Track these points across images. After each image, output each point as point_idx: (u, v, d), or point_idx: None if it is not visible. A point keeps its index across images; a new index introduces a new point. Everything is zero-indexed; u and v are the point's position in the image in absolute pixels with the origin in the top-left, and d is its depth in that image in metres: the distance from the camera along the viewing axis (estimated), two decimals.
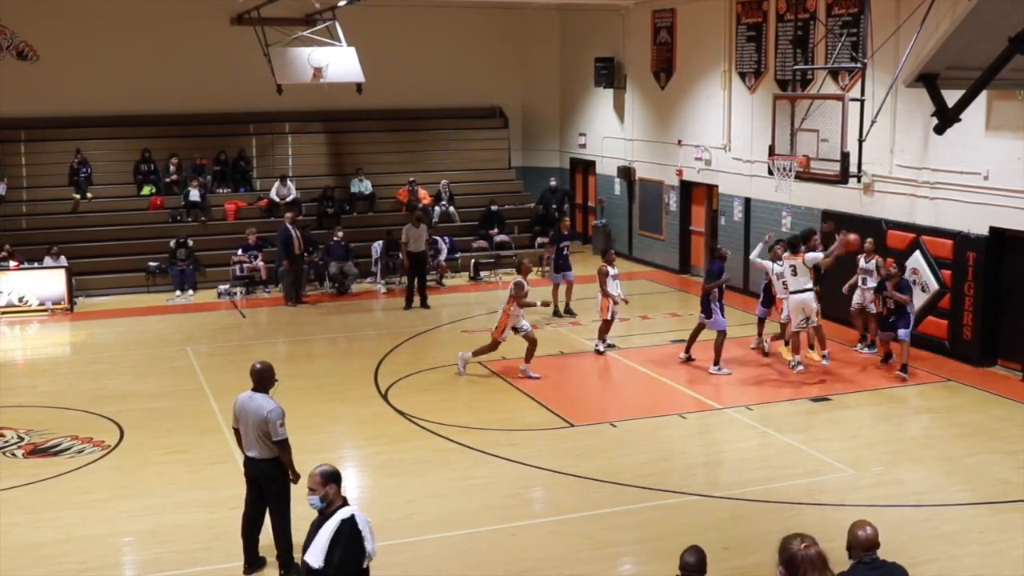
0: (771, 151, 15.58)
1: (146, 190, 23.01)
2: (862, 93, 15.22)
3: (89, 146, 23.09)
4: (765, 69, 19.36)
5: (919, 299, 15.25)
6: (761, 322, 16.05)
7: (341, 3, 20.52)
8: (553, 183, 25.09)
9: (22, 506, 10.47)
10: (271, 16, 21.21)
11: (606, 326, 16.03)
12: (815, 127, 14.58)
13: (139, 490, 10.88)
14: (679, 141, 22.11)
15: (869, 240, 15.53)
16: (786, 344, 14.95)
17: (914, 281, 15.48)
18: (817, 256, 14.47)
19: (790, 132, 15.06)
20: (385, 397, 14.05)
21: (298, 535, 8.94)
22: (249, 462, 8.81)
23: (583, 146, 26.21)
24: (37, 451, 12.11)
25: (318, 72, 20.61)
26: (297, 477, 8.84)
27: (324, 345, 17.55)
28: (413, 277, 19.81)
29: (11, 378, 15.57)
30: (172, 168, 23.22)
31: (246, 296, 20.78)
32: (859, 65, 15.77)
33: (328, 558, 6.37)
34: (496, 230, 23.64)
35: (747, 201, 20.06)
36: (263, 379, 8.78)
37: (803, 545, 5.10)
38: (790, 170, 14.98)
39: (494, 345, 14.76)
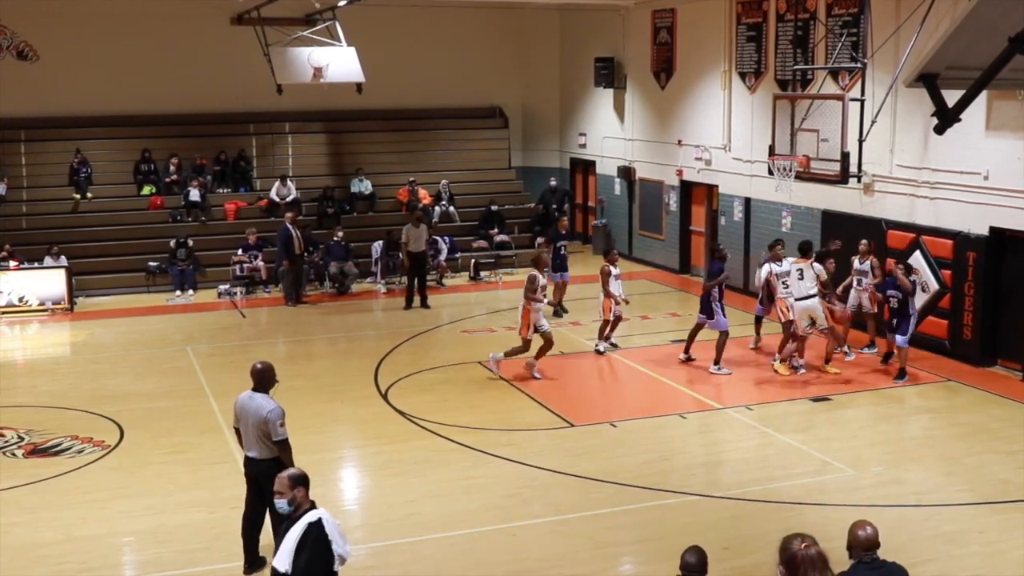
0: (771, 151, 15.58)
1: (146, 190, 23.01)
2: (862, 93, 15.22)
3: (89, 146, 23.09)
4: (765, 69, 19.36)
5: (919, 299, 15.22)
6: (759, 320, 16.06)
7: (341, 3, 20.52)
8: (553, 183, 25.10)
9: (22, 506, 10.47)
10: (271, 16, 21.21)
11: (606, 326, 16.02)
12: (815, 127, 14.58)
13: (139, 490, 10.88)
14: (679, 141, 22.11)
15: (864, 241, 15.55)
16: (780, 354, 14.89)
17: (914, 281, 15.47)
18: (822, 270, 14.45)
19: (790, 132, 15.06)
20: (385, 397, 14.05)
21: None
22: (249, 462, 8.81)
23: (583, 146, 26.21)
24: (37, 451, 12.11)
25: (318, 72, 20.61)
26: None
27: (324, 345, 17.55)
28: (413, 277, 19.80)
29: (11, 378, 15.57)
30: (172, 168, 23.22)
31: (246, 296, 20.78)
32: (859, 65, 15.77)
33: (295, 562, 6.29)
34: (496, 230, 23.64)
35: (747, 201, 20.06)
36: (263, 379, 8.78)
37: (804, 545, 5.10)
38: (790, 170, 14.98)
39: (525, 345, 14.48)
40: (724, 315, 14.79)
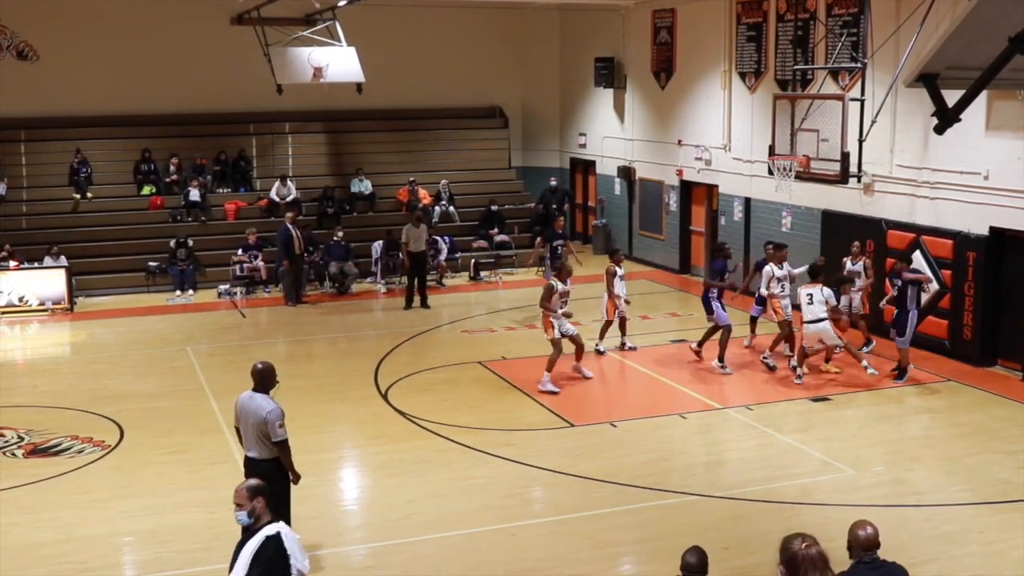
0: (771, 151, 15.58)
1: (146, 190, 23.01)
2: (862, 93, 15.22)
3: (89, 146, 23.09)
4: (765, 69, 19.36)
5: (923, 297, 15.18)
6: (754, 321, 16.05)
7: (341, 3, 20.51)
8: (553, 183, 25.10)
9: (22, 506, 10.47)
10: (271, 16, 21.21)
11: (608, 326, 16.01)
12: (815, 127, 14.58)
13: (139, 490, 10.88)
14: (679, 141, 22.11)
15: (856, 243, 15.53)
16: (771, 351, 14.92)
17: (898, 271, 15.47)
18: (831, 295, 14.28)
19: (790, 132, 15.06)
20: (385, 397, 14.05)
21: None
22: (249, 462, 8.80)
23: (583, 146, 26.20)
24: (37, 451, 12.11)
25: (318, 72, 20.61)
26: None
27: (324, 345, 17.55)
28: (413, 277, 19.80)
29: (11, 378, 15.57)
30: (172, 168, 23.22)
31: (246, 296, 20.78)
32: (859, 65, 15.77)
33: (249, 575, 6.07)
34: (496, 230, 23.64)
35: (747, 201, 20.06)
36: (264, 379, 8.77)
37: (804, 545, 5.10)
38: (790, 170, 14.98)
39: (556, 347, 14.09)
40: (724, 310, 14.78)
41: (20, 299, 19.56)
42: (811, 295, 13.97)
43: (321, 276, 21.35)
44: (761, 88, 19.38)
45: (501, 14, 26.38)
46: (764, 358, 14.93)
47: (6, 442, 12.38)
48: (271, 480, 8.73)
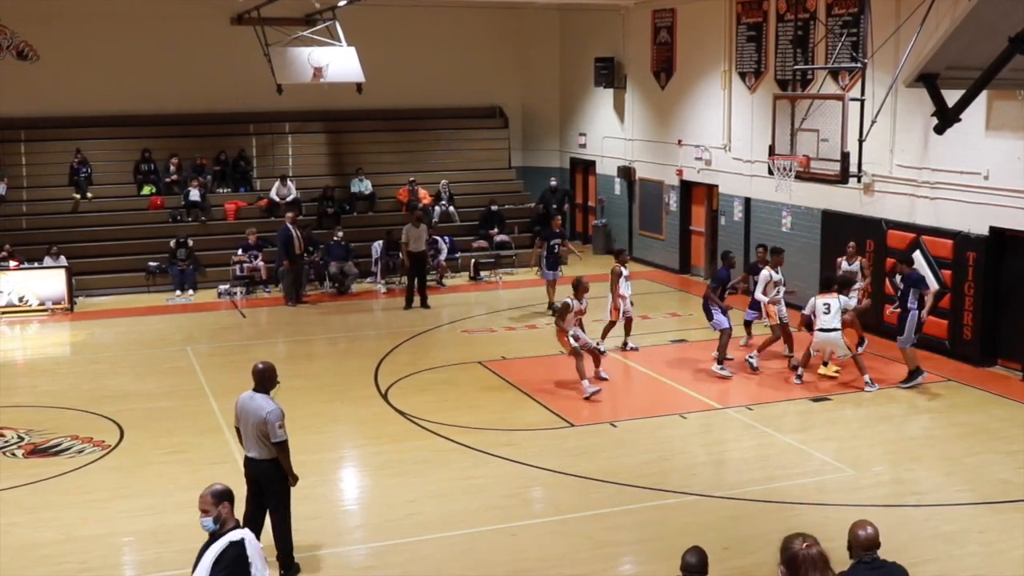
0: (771, 151, 15.58)
1: (146, 190, 23.01)
2: (862, 93, 15.22)
3: (89, 146, 23.09)
4: (765, 69, 19.36)
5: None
6: (748, 324, 16.02)
7: (341, 3, 20.51)
8: (553, 183, 25.11)
9: (22, 506, 10.47)
10: (271, 16, 21.21)
11: (611, 326, 16.00)
12: (815, 127, 14.57)
13: (139, 490, 10.88)
14: (679, 141, 22.11)
15: (852, 244, 15.48)
16: (759, 351, 14.92)
17: (899, 270, 15.46)
18: (850, 303, 14.21)
19: (790, 132, 15.05)
20: (385, 397, 14.05)
21: (298, 536, 9.00)
22: (249, 462, 8.80)
23: (583, 146, 26.20)
24: (37, 451, 12.11)
25: (318, 72, 20.60)
26: (295, 479, 8.84)
27: (324, 345, 17.55)
28: (413, 277, 19.80)
29: (11, 378, 15.57)
30: (172, 168, 23.22)
31: (246, 296, 20.78)
32: (859, 65, 15.77)
33: None
34: (496, 230, 23.64)
35: (747, 201, 20.06)
36: (264, 379, 8.77)
37: (805, 545, 5.10)
38: (790, 170, 14.97)
39: (578, 356, 13.84)
40: (724, 314, 14.77)
41: (20, 299, 19.56)
42: (828, 304, 13.75)
43: (321, 276, 21.35)
44: (761, 88, 19.38)
45: (501, 14, 26.38)
46: (748, 358, 14.90)
47: (6, 442, 12.38)
48: (271, 480, 8.76)
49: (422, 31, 25.42)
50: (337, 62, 20.69)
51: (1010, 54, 6.74)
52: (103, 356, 16.56)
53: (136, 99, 23.42)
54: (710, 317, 14.87)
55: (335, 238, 21.42)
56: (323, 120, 25.12)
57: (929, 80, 7.41)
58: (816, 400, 13.66)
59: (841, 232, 17.20)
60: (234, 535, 6.15)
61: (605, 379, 14.39)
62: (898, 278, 14.47)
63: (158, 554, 9.39)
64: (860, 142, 14.63)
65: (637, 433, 12.52)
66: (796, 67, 18.00)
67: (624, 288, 15.81)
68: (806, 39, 18.26)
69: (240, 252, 21.19)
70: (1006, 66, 6.87)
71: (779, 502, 10.37)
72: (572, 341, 13.84)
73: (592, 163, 25.93)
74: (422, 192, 23.97)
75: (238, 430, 8.91)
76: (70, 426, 12.91)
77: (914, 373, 13.92)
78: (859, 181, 15.87)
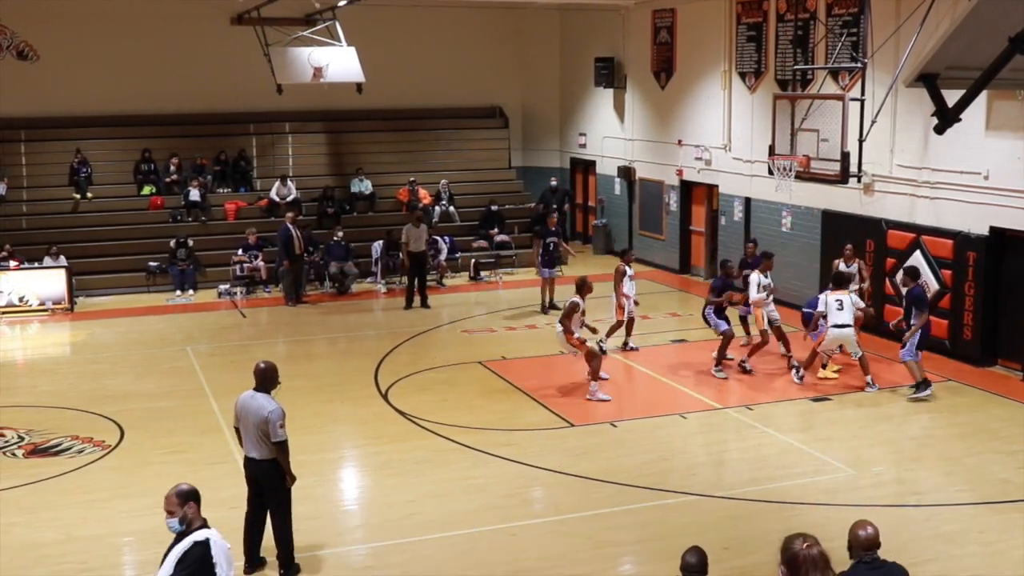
0: (771, 151, 15.58)
1: (146, 190, 23.01)
2: (862, 93, 15.22)
3: (89, 146, 23.09)
4: (765, 69, 19.36)
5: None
6: (744, 320, 16.00)
7: (341, 3, 20.51)
8: (553, 183, 25.11)
9: (22, 506, 10.47)
10: (271, 16, 21.21)
11: (618, 326, 15.99)
12: (815, 127, 14.57)
13: (139, 490, 10.87)
14: (679, 141, 22.11)
15: (849, 246, 15.42)
16: (749, 357, 14.90)
17: (902, 282, 15.43)
18: (859, 302, 14.15)
19: (790, 132, 15.05)
20: (385, 397, 14.05)
21: (298, 536, 9.00)
22: (249, 463, 8.80)
23: (583, 146, 26.21)
24: (37, 451, 12.11)
25: (318, 72, 20.61)
26: (293, 479, 8.84)
27: (324, 345, 17.55)
28: (413, 277, 19.81)
29: (11, 378, 15.57)
30: (172, 168, 23.22)
31: (246, 296, 20.78)
32: (859, 65, 15.76)
33: None
34: (496, 230, 23.64)
35: (747, 201, 20.06)
36: (266, 379, 8.77)
37: (805, 545, 5.10)
38: (790, 170, 14.97)
39: (592, 355, 13.79)
40: (720, 318, 14.70)
41: (20, 299, 19.56)
42: (841, 301, 13.68)
43: (321, 276, 21.35)
44: (761, 88, 19.38)
45: (501, 14, 26.38)
46: (741, 362, 14.89)
47: (6, 442, 12.38)
48: (272, 481, 8.76)
49: (422, 31, 25.42)
50: (337, 62, 20.70)
51: (1010, 54, 6.74)
52: (103, 356, 16.56)
53: (136, 99, 23.43)
54: (709, 323, 14.85)
55: (335, 238, 21.42)
56: (323, 120, 25.12)
57: (929, 80, 7.40)
58: (816, 400, 13.66)
59: (841, 232, 17.21)
60: (199, 535, 6.06)
61: (605, 379, 14.38)
62: (903, 288, 14.38)
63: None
64: (860, 142, 14.63)
65: (637, 433, 12.52)
66: (796, 67, 17.99)
67: (628, 288, 15.81)
68: (806, 39, 18.26)
69: (240, 252, 21.19)
70: (1006, 66, 6.87)
71: (779, 502, 10.37)
72: (585, 342, 13.74)
73: (592, 163, 25.93)
74: (422, 192, 23.97)
75: (237, 430, 8.91)
76: (70, 426, 12.91)
77: (921, 384, 13.54)
78: (859, 181, 15.87)
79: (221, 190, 23.67)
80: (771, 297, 15.02)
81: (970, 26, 6.93)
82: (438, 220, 23.24)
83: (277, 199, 23.05)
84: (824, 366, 14.50)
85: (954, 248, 15.27)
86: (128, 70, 23.30)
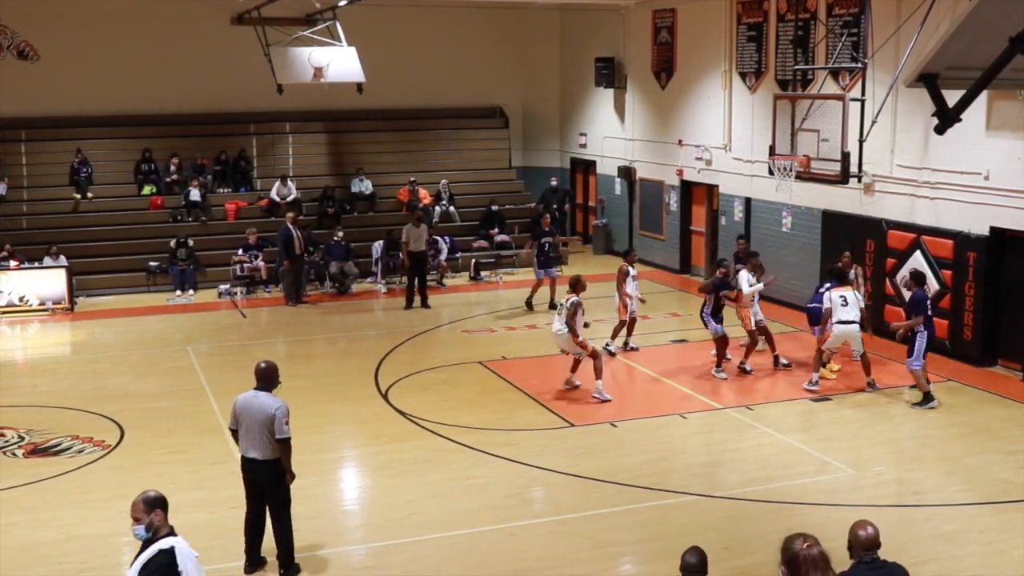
0: (771, 151, 15.58)
1: (147, 190, 23.01)
2: (863, 93, 15.22)
3: (89, 146, 23.10)
4: (765, 69, 19.35)
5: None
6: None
7: (342, 3, 20.51)
8: (554, 183, 25.12)
9: (22, 506, 10.47)
10: (271, 16, 21.21)
11: (622, 326, 15.99)
12: (815, 127, 14.57)
13: (139, 490, 10.74)
14: (679, 141, 22.11)
15: (847, 253, 15.30)
16: (746, 359, 14.94)
17: (905, 284, 15.43)
18: (861, 300, 14.04)
19: (791, 132, 15.05)
20: (385, 397, 14.05)
21: (298, 536, 8.99)
22: (250, 464, 8.77)
23: (583, 146, 26.21)
24: (37, 451, 12.11)
25: (318, 72, 20.61)
26: (293, 477, 8.84)
27: (324, 345, 17.55)
28: (413, 277, 19.81)
29: (11, 378, 15.57)
30: (173, 168, 23.22)
31: (246, 296, 20.78)
32: (860, 65, 15.76)
33: None
34: (497, 230, 23.64)
35: (748, 201, 20.06)
36: (268, 377, 8.78)
37: (805, 545, 5.09)
38: (791, 170, 14.97)
39: (594, 355, 13.69)
40: (716, 322, 14.64)
41: (20, 299, 19.56)
42: (845, 297, 13.63)
43: (321, 276, 21.35)
44: (761, 88, 19.37)
45: (501, 14, 26.38)
46: (740, 364, 14.87)
47: (6, 442, 12.38)
48: (274, 482, 8.75)
49: (422, 31, 25.43)
50: (337, 62, 20.70)
51: (1010, 54, 6.74)
52: (103, 356, 16.56)
53: (136, 99, 23.43)
54: (706, 325, 14.82)
55: (335, 238, 21.43)
56: (323, 120, 25.12)
57: (929, 80, 7.40)
58: (816, 400, 13.65)
59: (841, 232, 17.23)
60: (164, 543, 5.95)
61: (577, 385, 14.20)
62: (905, 292, 14.33)
63: None
64: (860, 142, 14.62)
65: (637, 433, 12.52)
66: (796, 67, 18.00)
67: (631, 288, 15.82)
68: (806, 39, 18.25)
69: (240, 252, 21.19)
70: (1006, 66, 6.87)
71: (779, 502, 10.36)
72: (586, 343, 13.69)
73: (592, 163, 25.93)
74: (423, 192, 23.97)
75: (233, 432, 8.88)
76: (70, 426, 12.91)
77: (927, 397, 13.28)
78: (859, 181, 15.87)
79: (221, 190, 23.67)
80: (756, 298, 15.04)
81: (971, 26, 6.93)
82: (438, 220, 23.25)
83: (277, 199, 23.05)
84: (824, 364, 14.46)
85: (954, 248, 15.27)
86: (129, 70, 23.30)
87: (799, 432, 12.55)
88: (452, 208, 24.04)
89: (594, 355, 13.64)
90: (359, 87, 20.87)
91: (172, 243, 21.24)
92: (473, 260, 22.71)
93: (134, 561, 6.02)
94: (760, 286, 15.01)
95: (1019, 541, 9.43)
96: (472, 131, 26.33)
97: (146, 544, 6.01)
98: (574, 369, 14.02)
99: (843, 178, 14.42)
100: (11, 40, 22.82)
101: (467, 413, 13.23)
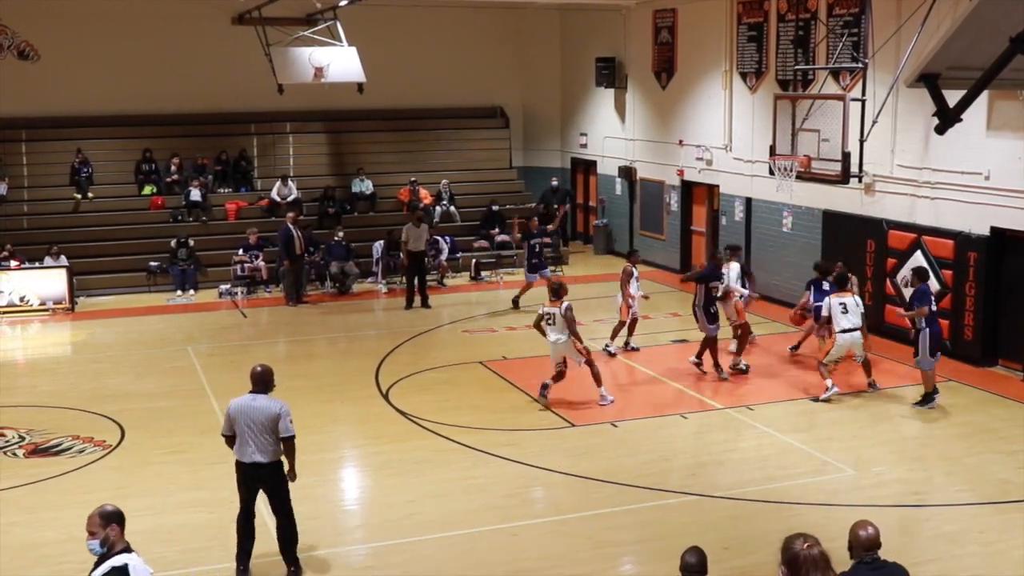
0: (772, 151, 15.58)
1: (147, 190, 23.01)
2: (863, 93, 15.22)
3: (90, 146, 23.10)
4: (766, 69, 19.35)
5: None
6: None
7: (342, 3, 20.52)
8: (554, 183, 25.12)
9: (22, 506, 10.47)
10: (272, 16, 21.22)
11: (621, 327, 15.98)
12: (816, 127, 14.57)
13: (139, 490, 10.88)
14: (680, 141, 22.10)
15: (840, 264, 15.18)
16: (740, 356, 14.91)
17: (905, 283, 15.44)
18: (861, 304, 13.84)
19: (791, 132, 15.05)
20: (386, 397, 14.05)
21: (299, 536, 8.99)
22: (254, 469, 8.68)
23: (584, 146, 26.20)
24: (38, 451, 12.11)
25: (319, 72, 20.61)
26: (295, 477, 8.84)
27: (325, 345, 17.55)
28: (412, 276, 19.82)
29: (12, 378, 15.57)
30: (173, 168, 23.22)
31: (247, 296, 20.78)
32: (860, 65, 15.77)
33: None
34: (497, 230, 23.64)
35: (748, 201, 20.05)
36: (264, 381, 8.77)
37: (806, 545, 5.09)
38: (791, 170, 14.97)
39: (590, 363, 13.47)
40: (709, 321, 14.53)
41: (21, 299, 19.57)
42: (844, 304, 13.45)
43: (322, 276, 21.35)
44: (762, 88, 19.37)
45: (501, 14, 26.37)
46: (738, 366, 14.78)
47: (7, 442, 12.38)
48: (279, 483, 8.75)
49: (423, 31, 25.42)
50: (338, 62, 20.71)
51: (1011, 54, 6.74)
52: (104, 356, 16.56)
53: (137, 99, 23.43)
54: (697, 319, 14.72)
55: (336, 238, 21.43)
56: (324, 120, 25.13)
57: (930, 80, 7.40)
58: (816, 400, 13.64)
59: (842, 232, 17.22)
60: (117, 560, 5.82)
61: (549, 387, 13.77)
62: (907, 289, 14.29)
63: (159, 554, 9.36)
64: (861, 142, 14.62)
65: (638, 433, 12.51)
66: (797, 67, 17.99)
67: (634, 288, 15.82)
68: (807, 39, 18.25)
69: (241, 252, 21.20)
70: (1007, 66, 6.87)
71: (779, 502, 10.36)
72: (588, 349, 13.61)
73: (593, 163, 25.93)
74: (423, 192, 23.97)
75: (227, 439, 8.83)
76: (71, 426, 12.91)
77: (929, 395, 13.27)
78: (860, 181, 15.86)
79: (222, 190, 23.67)
80: (746, 291, 15.08)
81: (971, 26, 6.93)
82: (439, 220, 23.25)
83: (278, 199, 23.05)
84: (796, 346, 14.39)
85: (955, 248, 15.26)
86: (129, 70, 23.31)
87: (799, 432, 12.55)
88: (453, 208, 24.05)
89: (591, 362, 13.45)
90: (359, 87, 20.87)
91: (173, 243, 21.25)
92: (474, 260, 22.71)
93: None
94: (747, 293, 14.95)
95: (1019, 541, 9.43)
96: (473, 131, 26.33)
97: (101, 560, 5.88)
98: (557, 380, 13.54)
99: (844, 178, 14.42)
100: (11, 40, 22.83)
101: (467, 413, 13.23)
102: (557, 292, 13.35)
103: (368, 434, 12.79)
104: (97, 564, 5.87)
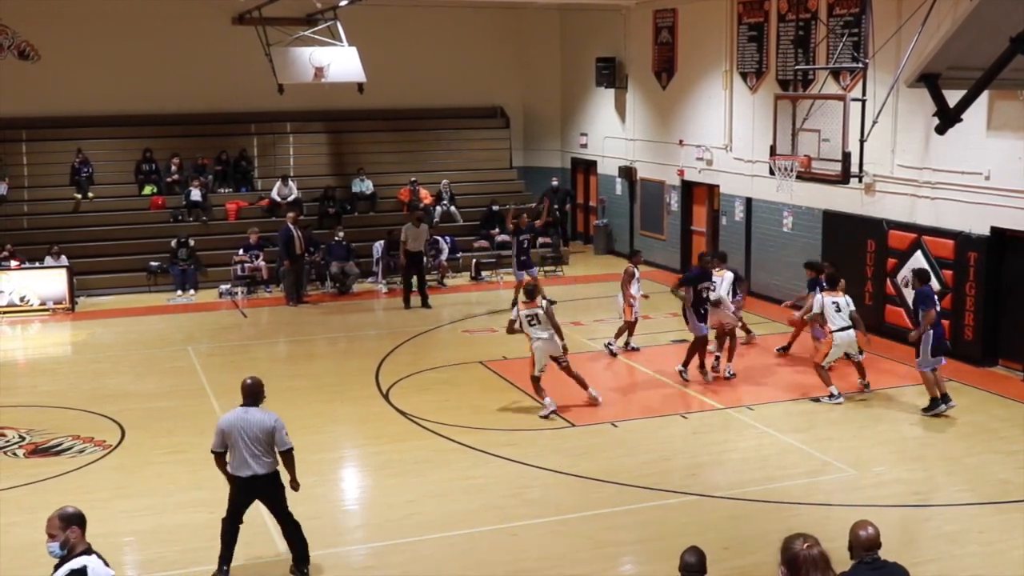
0: (772, 151, 15.57)
1: (147, 190, 23.02)
2: (863, 93, 15.22)
3: (90, 146, 23.11)
4: (766, 69, 19.34)
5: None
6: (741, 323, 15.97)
7: (342, 3, 20.52)
8: (554, 183, 25.12)
9: (22, 506, 10.46)
10: (272, 16, 21.23)
11: (626, 327, 15.97)
12: (816, 127, 14.57)
13: (139, 490, 10.88)
14: (680, 141, 22.10)
15: (826, 264, 15.23)
16: (729, 362, 14.84)
17: (905, 284, 15.43)
18: (851, 300, 13.76)
19: (791, 132, 15.05)
20: (386, 397, 14.05)
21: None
22: (251, 482, 8.63)
23: (584, 146, 26.20)
24: (38, 451, 12.11)
25: (319, 72, 20.62)
26: (297, 486, 8.82)
27: (325, 345, 17.55)
28: (409, 276, 19.83)
29: (12, 378, 15.57)
30: (173, 168, 23.23)
31: (247, 296, 20.78)
32: (860, 65, 15.77)
33: None
34: (497, 230, 23.63)
35: (748, 201, 20.05)
36: (256, 393, 8.71)
37: (806, 545, 5.09)
38: (791, 170, 14.97)
39: (568, 371, 13.41)
40: (699, 320, 14.45)
41: (21, 299, 19.57)
42: (836, 303, 13.46)
43: (322, 276, 21.36)
44: (762, 88, 19.37)
45: (501, 14, 26.37)
46: (726, 372, 14.73)
47: (7, 442, 12.38)
48: (277, 492, 8.73)
49: (423, 31, 25.43)
50: (338, 62, 20.71)
51: (1011, 54, 6.73)
52: (104, 356, 16.56)
53: (137, 99, 23.44)
54: (687, 320, 14.67)
55: (336, 238, 21.43)
56: (324, 120, 25.13)
57: (930, 80, 7.40)
58: (816, 400, 13.63)
59: (842, 232, 17.22)
60: (76, 563, 5.75)
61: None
62: (908, 291, 14.26)
63: (159, 554, 9.40)
64: (861, 142, 14.61)
65: (638, 433, 12.51)
66: (797, 67, 17.98)
67: (635, 289, 15.81)
68: (807, 39, 18.25)
69: (241, 252, 21.20)
70: (1007, 66, 6.87)
71: (779, 502, 10.36)
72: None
73: (593, 163, 25.93)
74: (423, 192, 23.97)
75: (217, 455, 8.73)
76: (71, 426, 12.91)
77: (935, 402, 12.98)
78: (860, 181, 15.85)
79: (222, 190, 23.68)
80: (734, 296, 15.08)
81: (971, 26, 6.93)
82: (439, 220, 23.25)
83: (278, 199, 23.05)
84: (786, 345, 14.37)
85: (955, 248, 15.26)
86: (129, 70, 23.31)
87: (799, 432, 12.54)
88: (453, 208, 24.05)
89: (568, 368, 13.28)
90: (360, 87, 20.87)
91: (173, 243, 21.25)
92: (474, 260, 22.71)
93: None
94: (733, 308, 14.89)
95: (1019, 541, 9.42)
96: (473, 131, 26.33)
97: (61, 562, 5.82)
98: (579, 382, 13.50)
99: (844, 178, 14.42)
100: (11, 40, 22.83)
101: (467, 413, 13.23)
102: (532, 293, 13.42)
103: (368, 434, 12.79)
104: (57, 567, 5.80)
